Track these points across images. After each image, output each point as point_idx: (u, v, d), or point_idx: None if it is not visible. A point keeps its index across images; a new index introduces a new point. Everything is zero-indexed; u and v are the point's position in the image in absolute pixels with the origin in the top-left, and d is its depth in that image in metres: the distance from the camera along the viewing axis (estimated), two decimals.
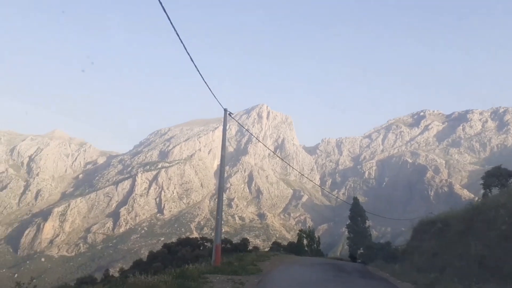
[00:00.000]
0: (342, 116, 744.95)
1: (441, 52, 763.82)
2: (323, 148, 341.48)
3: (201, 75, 17.57)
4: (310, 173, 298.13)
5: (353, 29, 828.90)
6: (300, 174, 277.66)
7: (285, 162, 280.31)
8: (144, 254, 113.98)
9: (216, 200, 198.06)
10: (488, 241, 15.19)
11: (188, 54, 16.06)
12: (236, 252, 42.35)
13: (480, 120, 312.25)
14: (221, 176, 24.22)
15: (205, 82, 18.30)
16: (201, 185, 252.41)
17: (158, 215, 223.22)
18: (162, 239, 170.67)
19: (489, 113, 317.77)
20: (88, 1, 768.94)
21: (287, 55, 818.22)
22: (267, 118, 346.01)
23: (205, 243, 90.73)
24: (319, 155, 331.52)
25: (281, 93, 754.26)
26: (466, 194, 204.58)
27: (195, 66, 16.88)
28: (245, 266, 22.76)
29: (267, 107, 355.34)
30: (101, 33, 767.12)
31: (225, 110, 21.74)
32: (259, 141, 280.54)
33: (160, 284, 13.15)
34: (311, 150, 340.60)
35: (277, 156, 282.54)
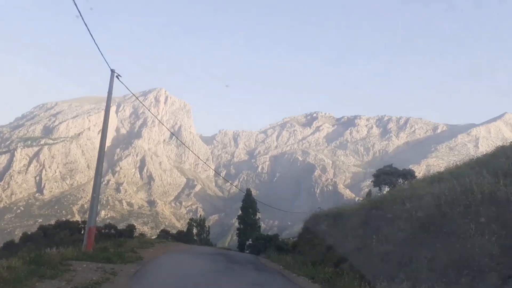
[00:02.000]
0: (241, 109, 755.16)
1: (332, 59, 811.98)
2: (220, 139, 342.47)
3: (88, 29, 14.57)
4: (205, 162, 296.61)
5: (257, 25, 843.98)
6: (195, 163, 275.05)
7: (192, 150, 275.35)
8: (18, 235, 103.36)
9: (103, 182, 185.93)
10: (392, 236, 14.63)
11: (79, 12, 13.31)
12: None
13: (366, 126, 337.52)
14: (102, 145, 19.56)
15: (92, 37, 15.13)
16: (88, 166, 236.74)
17: (37, 194, 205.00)
18: (40, 220, 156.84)
19: (374, 120, 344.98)
20: None
21: (189, 41, 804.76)
22: (165, 103, 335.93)
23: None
24: (216, 145, 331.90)
25: (182, 79, 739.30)
26: (348, 193, 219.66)
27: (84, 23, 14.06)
28: (123, 253, 19.69)
29: (165, 91, 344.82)
30: None
31: (112, 71, 18.77)
32: (158, 121, 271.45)
33: (2, 272, 10.03)
34: (208, 140, 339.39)
35: (180, 141, 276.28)
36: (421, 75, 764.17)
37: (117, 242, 25.28)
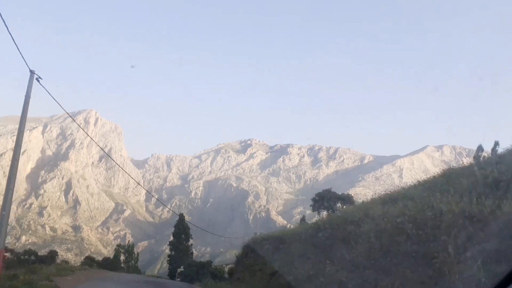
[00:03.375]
0: (175, 133, 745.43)
1: (266, 88, 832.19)
2: (152, 163, 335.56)
3: (6, 26, 13.68)
4: (135, 187, 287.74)
5: (191, 50, 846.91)
6: (124, 187, 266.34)
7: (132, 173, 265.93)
8: None
9: (25, 205, 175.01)
10: (348, 261, 13.63)
11: None
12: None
13: (298, 154, 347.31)
14: (16, 154, 16.81)
15: (9, 32, 14.05)
16: None
17: None
18: None
19: (306, 149, 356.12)
20: None
21: (121, 64, 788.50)
22: (95, 124, 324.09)
23: (5, 253, 78.58)
24: (148, 169, 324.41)
25: (113, 101, 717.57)
26: (280, 220, 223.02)
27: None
28: (36, 281, 17.50)
29: (96, 113, 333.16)
30: None
31: (32, 72, 16.92)
32: (90, 138, 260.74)
33: None
34: (139, 164, 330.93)
35: (113, 160, 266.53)
36: (349, 107, 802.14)
37: (30, 268, 23.13)
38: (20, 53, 15.45)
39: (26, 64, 16.43)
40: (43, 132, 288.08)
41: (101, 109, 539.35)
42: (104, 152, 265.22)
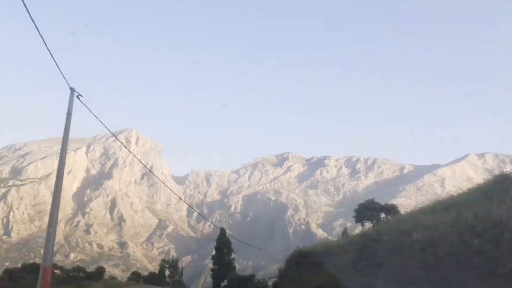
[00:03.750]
0: (213, 149, 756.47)
1: (302, 103, 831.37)
2: (192, 179, 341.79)
3: (46, 46, 13.80)
4: (177, 203, 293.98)
5: (229, 65, 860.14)
6: (166, 203, 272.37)
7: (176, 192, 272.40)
8: None
9: (72, 224, 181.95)
10: (402, 273, 12.70)
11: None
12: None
13: (335, 166, 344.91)
14: (59, 170, 16.37)
15: (50, 53, 14.18)
16: None
17: (4, 237, 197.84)
18: (7, 264, 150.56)
19: (343, 161, 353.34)
20: None
21: (158, 83, 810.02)
22: (136, 143, 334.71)
23: (55, 271, 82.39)
24: (188, 185, 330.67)
25: (153, 119, 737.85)
26: (321, 233, 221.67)
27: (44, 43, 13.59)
28: None
29: (136, 132, 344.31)
30: None
31: (72, 89, 17.40)
32: (133, 155, 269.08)
33: None
34: (180, 180, 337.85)
35: (157, 178, 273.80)
36: (387, 117, 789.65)
37: (79, 285, 21.82)
38: (60, 71, 15.71)
39: (66, 81, 16.74)
40: (87, 152, 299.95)
41: (141, 128, 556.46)
42: (147, 169, 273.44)
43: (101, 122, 18.50)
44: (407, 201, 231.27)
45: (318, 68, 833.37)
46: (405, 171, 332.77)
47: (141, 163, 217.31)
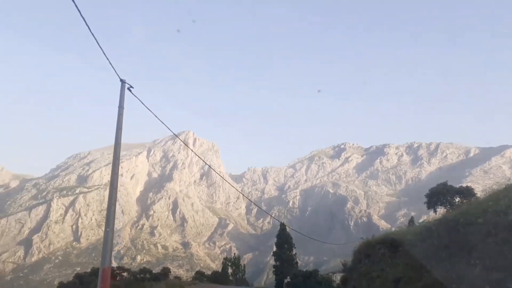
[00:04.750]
0: (268, 145, 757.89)
1: (358, 91, 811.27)
2: (249, 176, 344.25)
3: (97, 41, 13.45)
4: (236, 201, 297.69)
5: (282, 63, 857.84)
6: (226, 202, 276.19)
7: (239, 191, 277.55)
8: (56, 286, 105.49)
9: (137, 227, 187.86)
10: (502, 260, 11.32)
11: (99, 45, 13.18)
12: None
13: (396, 154, 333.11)
14: (115, 166, 15.01)
15: (100, 47, 13.46)
16: (122, 212, 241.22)
17: (74, 243, 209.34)
18: (78, 269, 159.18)
19: (404, 148, 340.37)
20: None
21: (215, 83, 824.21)
22: (194, 145, 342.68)
23: (122, 273, 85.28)
24: (245, 183, 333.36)
25: (208, 120, 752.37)
26: (383, 224, 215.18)
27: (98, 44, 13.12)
28: None
29: (193, 134, 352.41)
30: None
31: (123, 81, 16.61)
32: (198, 157, 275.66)
33: None
34: (237, 178, 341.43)
35: (221, 179, 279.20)
36: (448, 99, 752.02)
37: (141, 286, 22.17)
38: (110, 63, 15.09)
39: (117, 73, 16.02)
40: (147, 157, 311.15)
41: (198, 130, 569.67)
42: (209, 166, 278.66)
43: (154, 114, 16.93)
44: (474, 185, 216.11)
45: (370, 58, 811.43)
46: (471, 154, 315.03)
47: (202, 160, 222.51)
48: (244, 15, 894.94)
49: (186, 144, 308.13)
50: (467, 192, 40.50)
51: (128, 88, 16.98)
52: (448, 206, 38.45)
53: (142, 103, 17.22)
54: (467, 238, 13.58)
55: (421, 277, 14.74)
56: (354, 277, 24.36)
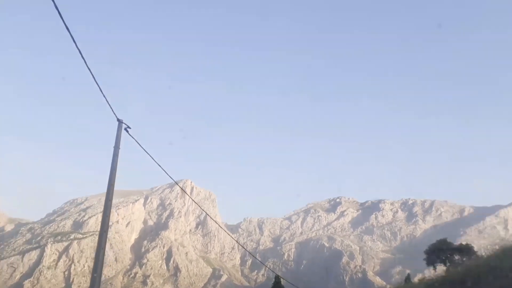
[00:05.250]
0: (264, 196, 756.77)
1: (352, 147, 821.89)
2: (245, 227, 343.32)
3: (93, 77, 13.28)
4: (231, 251, 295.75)
5: (282, 109, 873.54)
6: (220, 252, 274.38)
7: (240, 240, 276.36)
8: None
9: (130, 275, 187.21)
10: None
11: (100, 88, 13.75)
12: None
13: (391, 210, 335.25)
14: (106, 208, 14.72)
15: (99, 86, 13.73)
16: (116, 259, 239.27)
17: None
18: None
19: (399, 204, 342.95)
20: None
21: (211, 132, 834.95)
22: (191, 193, 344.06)
23: None
24: (241, 233, 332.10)
25: (206, 170, 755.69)
26: (378, 281, 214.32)
27: (96, 81, 13.46)
28: None
29: (191, 182, 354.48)
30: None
31: (120, 121, 16.32)
32: (195, 203, 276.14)
33: None
34: (233, 229, 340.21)
35: (222, 228, 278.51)
36: (442, 158, 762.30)
37: None
38: (108, 103, 14.63)
39: (114, 113, 15.60)
40: (144, 204, 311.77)
41: (195, 179, 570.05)
42: (208, 215, 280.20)
43: (151, 156, 17.68)
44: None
45: (364, 105, 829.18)
46: (465, 213, 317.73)
47: (199, 206, 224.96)
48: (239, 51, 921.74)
49: (184, 190, 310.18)
50: (466, 250, 40.59)
51: (125, 129, 16.50)
52: (448, 263, 38.56)
53: (139, 144, 17.02)
54: None
55: None
56: None
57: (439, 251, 42.26)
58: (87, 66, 12.56)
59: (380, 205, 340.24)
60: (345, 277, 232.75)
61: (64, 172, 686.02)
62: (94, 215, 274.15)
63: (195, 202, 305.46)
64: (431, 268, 42.41)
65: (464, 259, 36.50)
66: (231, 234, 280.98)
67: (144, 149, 17.35)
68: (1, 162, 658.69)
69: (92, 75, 13.11)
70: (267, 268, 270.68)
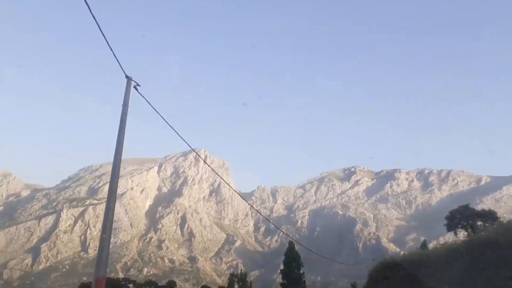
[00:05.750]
0: (278, 166, 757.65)
1: (373, 116, 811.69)
2: (258, 195, 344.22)
3: (104, 35, 12.32)
4: (244, 218, 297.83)
5: (295, 86, 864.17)
6: (234, 219, 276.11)
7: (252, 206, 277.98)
8: None
9: (145, 239, 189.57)
10: None
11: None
12: None
13: (406, 179, 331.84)
14: (115, 168, 13.55)
15: (107, 42, 12.69)
16: (131, 224, 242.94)
17: (82, 253, 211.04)
18: (85, 278, 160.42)
19: (415, 174, 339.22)
20: None
21: (226, 101, 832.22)
22: (204, 163, 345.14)
23: (128, 284, 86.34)
24: (254, 201, 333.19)
25: (220, 138, 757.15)
26: (392, 247, 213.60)
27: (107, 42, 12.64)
28: None
29: (204, 151, 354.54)
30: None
31: (128, 78, 15.35)
32: (212, 169, 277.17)
33: None
34: (246, 197, 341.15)
35: (246, 199, 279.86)
36: (462, 127, 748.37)
37: None
38: (117, 60, 13.86)
39: (123, 70, 14.85)
40: (158, 172, 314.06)
41: (209, 148, 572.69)
42: (222, 179, 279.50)
43: (149, 103, 16.09)
44: None
45: (386, 76, 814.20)
46: (482, 182, 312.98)
47: (215, 171, 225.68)
48: (260, 38, 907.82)
49: (198, 155, 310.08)
50: (489, 216, 39.33)
51: (135, 87, 15.81)
52: (470, 229, 37.52)
53: (149, 103, 16.22)
54: (503, 259, 12.82)
55: None
56: None
57: (461, 216, 40.97)
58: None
59: (395, 175, 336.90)
60: (358, 244, 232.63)
61: (80, 139, 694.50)
62: (108, 182, 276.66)
63: (210, 167, 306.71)
64: (447, 234, 41.68)
65: (487, 224, 35.14)
66: (245, 199, 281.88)
67: (154, 108, 16.36)
68: (18, 129, 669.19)
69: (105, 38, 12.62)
70: (280, 234, 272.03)
